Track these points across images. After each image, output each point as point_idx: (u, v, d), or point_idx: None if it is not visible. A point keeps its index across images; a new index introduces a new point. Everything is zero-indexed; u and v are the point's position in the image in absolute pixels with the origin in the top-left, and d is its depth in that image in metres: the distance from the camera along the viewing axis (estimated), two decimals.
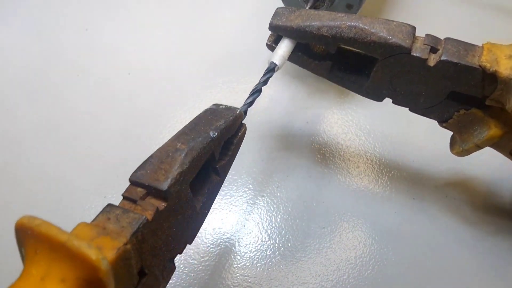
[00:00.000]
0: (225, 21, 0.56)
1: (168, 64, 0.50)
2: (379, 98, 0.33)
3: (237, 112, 0.27)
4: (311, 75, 0.47)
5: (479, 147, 0.30)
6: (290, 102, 0.46)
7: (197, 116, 0.27)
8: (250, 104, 0.30)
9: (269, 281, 0.34)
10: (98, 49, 0.52)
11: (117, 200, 0.38)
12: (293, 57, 0.33)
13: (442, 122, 0.32)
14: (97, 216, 0.22)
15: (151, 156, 0.24)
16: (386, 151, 0.42)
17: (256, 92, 0.30)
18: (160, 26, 0.55)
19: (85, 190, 0.39)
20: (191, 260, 0.35)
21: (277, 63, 0.31)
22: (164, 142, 0.25)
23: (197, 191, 0.26)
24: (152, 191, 0.22)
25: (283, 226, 0.37)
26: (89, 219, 0.40)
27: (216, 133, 0.25)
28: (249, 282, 0.34)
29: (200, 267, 0.35)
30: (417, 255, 0.36)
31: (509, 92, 0.26)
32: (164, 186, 0.22)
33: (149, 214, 0.21)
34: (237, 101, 0.47)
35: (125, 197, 0.23)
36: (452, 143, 0.33)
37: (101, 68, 0.50)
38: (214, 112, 0.27)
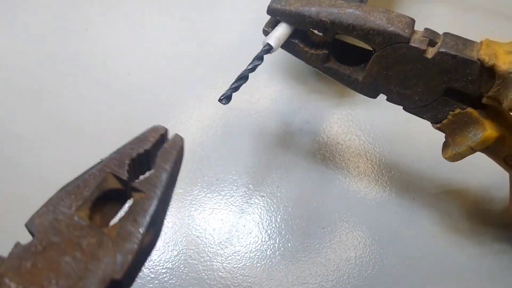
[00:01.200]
0: (225, 21, 0.56)
1: (168, 64, 0.50)
2: (374, 94, 0.32)
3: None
4: (311, 75, 0.47)
5: (473, 150, 0.30)
6: (290, 102, 0.46)
7: (173, 173, 0.22)
8: (235, 89, 0.30)
9: (269, 281, 0.34)
10: (98, 49, 0.52)
11: None
12: (288, 45, 0.32)
13: (436, 123, 0.31)
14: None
15: (137, 253, 0.19)
16: (386, 151, 0.42)
17: (243, 78, 0.30)
18: (160, 26, 0.55)
19: None
20: (191, 260, 0.35)
21: (272, 44, 0.30)
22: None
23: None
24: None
25: (283, 226, 0.37)
26: None
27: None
28: (249, 282, 0.34)
29: (200, 267, 0.35)
30: (417, 255, 0.36)
31: (508, 88, 0.26)
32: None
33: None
34: (237, 101, 0.47)
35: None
36: (445, 147, 0.33)
37: (101, 68, 0.50)
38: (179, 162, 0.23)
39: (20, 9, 0.57)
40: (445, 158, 0.32)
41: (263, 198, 0.39)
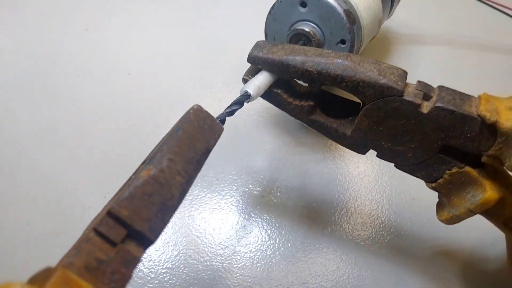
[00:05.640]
0: (225, 21, 0.56)
1: (168, 64, 0.50)
2: (363, 150, 0.30)
3: (221, 131, 0.25)
4: None
5: (472, 212, 0.27)
6: None
7: (185, 128, 0.23)
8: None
9: (269, 281, 0.34)
10: (98, 49, 0.52)
11: None
12: (270, 95, 0.30)
13: (431, 182, 0.29)
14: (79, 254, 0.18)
15: (141, 183, 0.19)
16: None
17: (220, 122, 0.26)
18: (160, 26, 0.55)
19: (85, 190, 0.39)
20: (191, 260, 0.35)
21: (251, 92, 0.27)
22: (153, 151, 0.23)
23: None
24: (135, 235, 0.19)
25: (283, 226, 0.37)
26: (89, 219, 0.40)
27: (204, 158, 0.24)
28: (249, 282, 0.34)
29: (200, 267, 0.35)
30: (417, 255, 0.36)
31: (511, 147, 0.24)
32: (155, 238, 0.19)
33: (129, 271, 0.18)
34: None
35: (99, 233, 0.18)
36: (439, 208, 0.30)
37: (101, 68, 0.50)
38: (200, 127, 0.24)
39: (20, 10, 0.57)
40: (440, 220, 0.29)
41: (263, 198, 0.39)
